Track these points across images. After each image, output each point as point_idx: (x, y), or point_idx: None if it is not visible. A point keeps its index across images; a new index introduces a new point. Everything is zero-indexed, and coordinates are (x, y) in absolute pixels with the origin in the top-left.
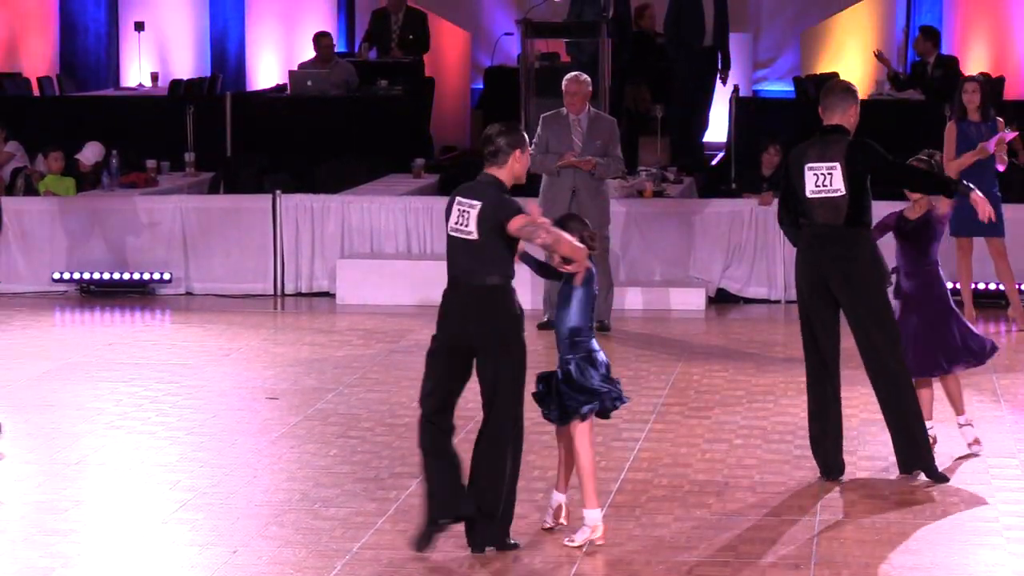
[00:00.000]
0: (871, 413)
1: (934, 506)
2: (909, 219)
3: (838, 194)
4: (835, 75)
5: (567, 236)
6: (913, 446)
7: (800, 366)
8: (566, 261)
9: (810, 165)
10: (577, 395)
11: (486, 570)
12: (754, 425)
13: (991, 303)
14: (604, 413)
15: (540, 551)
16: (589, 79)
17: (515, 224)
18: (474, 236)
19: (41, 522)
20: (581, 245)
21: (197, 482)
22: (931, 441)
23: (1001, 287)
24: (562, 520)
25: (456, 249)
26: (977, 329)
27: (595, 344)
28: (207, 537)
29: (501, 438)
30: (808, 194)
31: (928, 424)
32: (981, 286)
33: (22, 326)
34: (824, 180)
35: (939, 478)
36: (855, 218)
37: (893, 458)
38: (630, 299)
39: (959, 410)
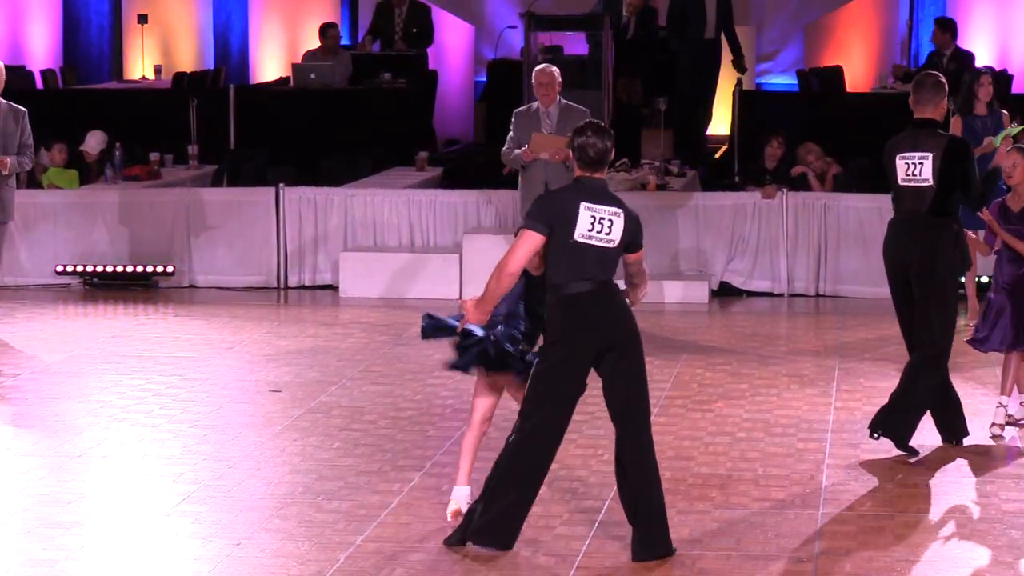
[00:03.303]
0: (875, 406)
1: (938, 499)
2: (1011, 209)
3: (926, 184)
4: (839, 68)
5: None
6: (902, 424)
7: (802, 359)
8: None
9: (903, 155)
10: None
11: (490, 565)
12: (757, 418)
13: None
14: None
15: (543, 546)
16: (557, 70)
17: (637, 255)
18: (615, 245)
19: (44, 515)
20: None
21: (200, 475)
22: (1007, 420)
23: None
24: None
25: (585, 257)
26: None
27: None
28: (210, 530)
29: (650, 451)
30: (900, 182)
31: (1007, 400)
32: (984, 279)
33: (25, 319)
34: (915, 169)
35: (909, 451)
36: (940, 208)
37: (897, 451)
38: None
39: None
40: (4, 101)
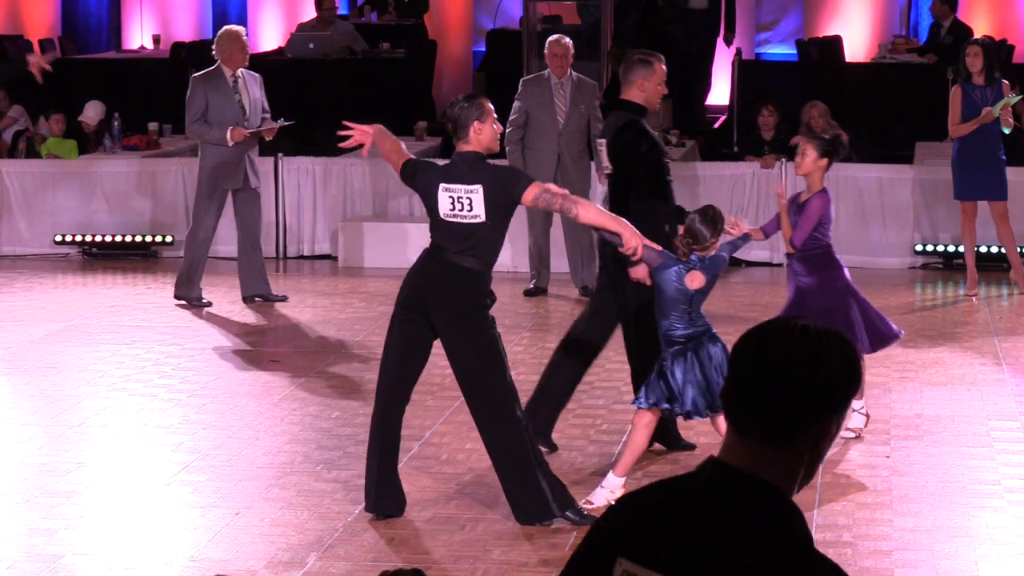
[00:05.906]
0: (874, 374)
1: (936, 469)
2: (799, 201)
3: (607, 170)
4: (838, 38)
5: (594, 205)
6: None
7: None
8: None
9: (599, 140)
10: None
11: (487, 533)
12: None
13: (993, 266)
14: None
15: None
16: (571, 41)
17: (530, 195)
18: (482, 219)
19: (43, 484)
20: (616, 218)
21: (199, 444)
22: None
23: (1003, 250)
24: None
25: (456, 232)
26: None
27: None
28: (209, 499)
29: (490, 419)
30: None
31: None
32: (983, 249)
33: (24, 288)
34: (605, 154)
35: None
36: (622, 194)
37: (895, 420)
38: None
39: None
40: (246, 71)
